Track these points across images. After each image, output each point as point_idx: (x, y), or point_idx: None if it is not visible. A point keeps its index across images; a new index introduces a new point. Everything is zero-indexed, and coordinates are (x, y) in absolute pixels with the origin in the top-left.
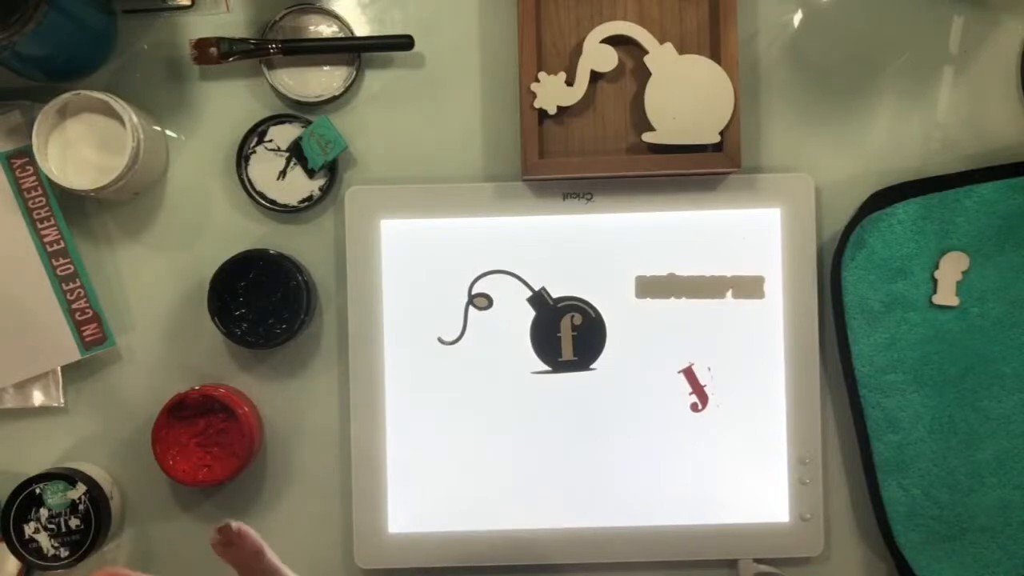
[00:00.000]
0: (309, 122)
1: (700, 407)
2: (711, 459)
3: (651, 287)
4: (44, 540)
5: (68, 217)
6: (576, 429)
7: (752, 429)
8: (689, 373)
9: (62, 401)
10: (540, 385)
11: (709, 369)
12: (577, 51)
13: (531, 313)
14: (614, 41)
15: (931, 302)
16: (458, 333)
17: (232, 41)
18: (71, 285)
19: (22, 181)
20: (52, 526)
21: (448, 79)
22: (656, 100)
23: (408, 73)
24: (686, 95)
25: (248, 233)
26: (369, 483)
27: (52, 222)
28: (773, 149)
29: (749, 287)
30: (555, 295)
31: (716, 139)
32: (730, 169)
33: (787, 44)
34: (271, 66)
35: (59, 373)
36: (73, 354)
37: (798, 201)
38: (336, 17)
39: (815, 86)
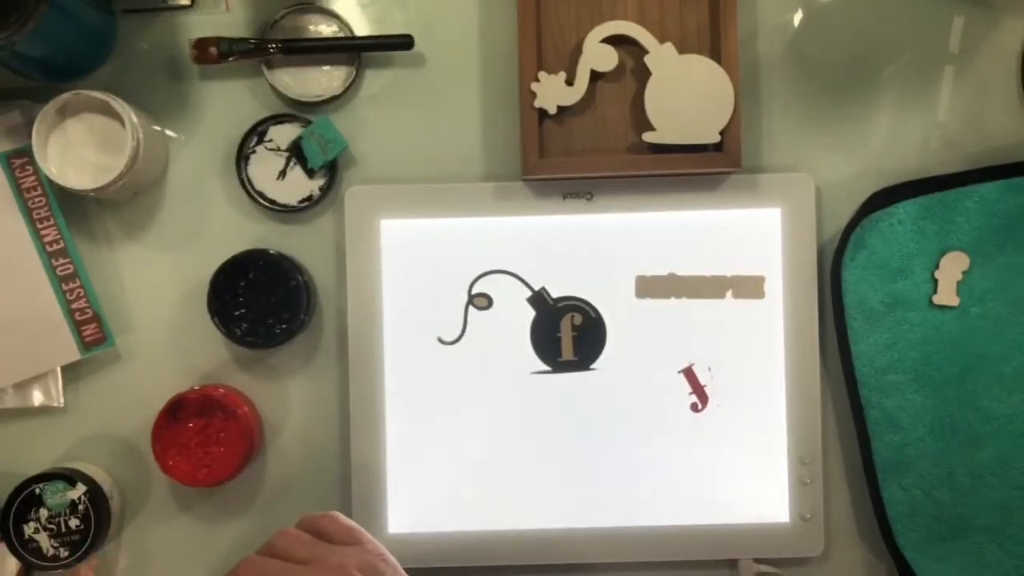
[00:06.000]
0: (309, 122)
1: (700, 407)
2: (711, 459)
3: (651, 287)
4: (44, 540)
5: (68, 217)
6: (576, 429)
7: (752, 429)
8: (689, 373)
9: (62, 401)
10: (540, 385)
11: (709, 369)
12: (577, 51)
13: (531, 313)
14: (614, 41)
15: (931, 302)
16: (458, 333)
17: (232, 41)
18: (71, 285)
19: (21, 181)
20: (52, 526)
21: (448, 79)
22: (656, 100)
23: (408, 73)
24: (686, 95)
25: (248, 233)
26: (369, 483)
27: (52, 222)
28: (773, 149)
29: (749, 287)
30: (555, 295)
31: (716, 139)
32: (730, 169)
33: (787, 44)
34: (271, 66)
35: (59, 373)
36: (73, 354)
37: (798, 201)
38: (336, 17)
39: (815, 86)
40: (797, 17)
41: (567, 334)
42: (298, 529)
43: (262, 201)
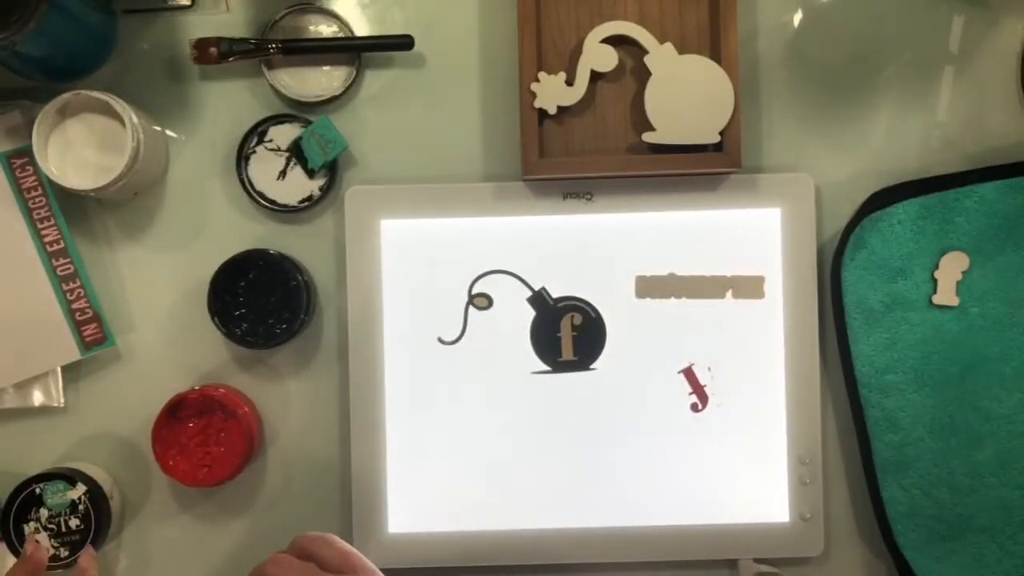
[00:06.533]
0: (309, 122)
1: (700, 407)
2: (711, 459)
3: (651, 287)
4: (44, 540)
5: (68, 217)
6: (576, 429)
7: (752, 429)
8: (689, 373)
9: (62, 401)
10: (540, 385)
11: (709, 369)
12: (577, 51)
13: (531, 313)
14: (614, 41)
15: (931, 302)
16: (458, 333)
17: (232, 41)
18: (71, 285)
19: (22, 181)
20: (52, 526)
21: (448, 79)
22: (656, 100)
23: (408, 73)
24: (686, 95)
25: (248, 233)
26: (369, 483)
27: (52, 222)
28: (773, 149)
29: (749, 287)
30: (555, 295)
31: (716, 139)
32: (730, 169)
33: (787, 44)
34: (271, 66)
35: (59, 373)
36: (73, 354)
37: (798, 201)
38: (336, 17)
39: (815, 86)
40: (797, 17)
41: (567, 334)
42: (291, 553)
43: (262, 201)
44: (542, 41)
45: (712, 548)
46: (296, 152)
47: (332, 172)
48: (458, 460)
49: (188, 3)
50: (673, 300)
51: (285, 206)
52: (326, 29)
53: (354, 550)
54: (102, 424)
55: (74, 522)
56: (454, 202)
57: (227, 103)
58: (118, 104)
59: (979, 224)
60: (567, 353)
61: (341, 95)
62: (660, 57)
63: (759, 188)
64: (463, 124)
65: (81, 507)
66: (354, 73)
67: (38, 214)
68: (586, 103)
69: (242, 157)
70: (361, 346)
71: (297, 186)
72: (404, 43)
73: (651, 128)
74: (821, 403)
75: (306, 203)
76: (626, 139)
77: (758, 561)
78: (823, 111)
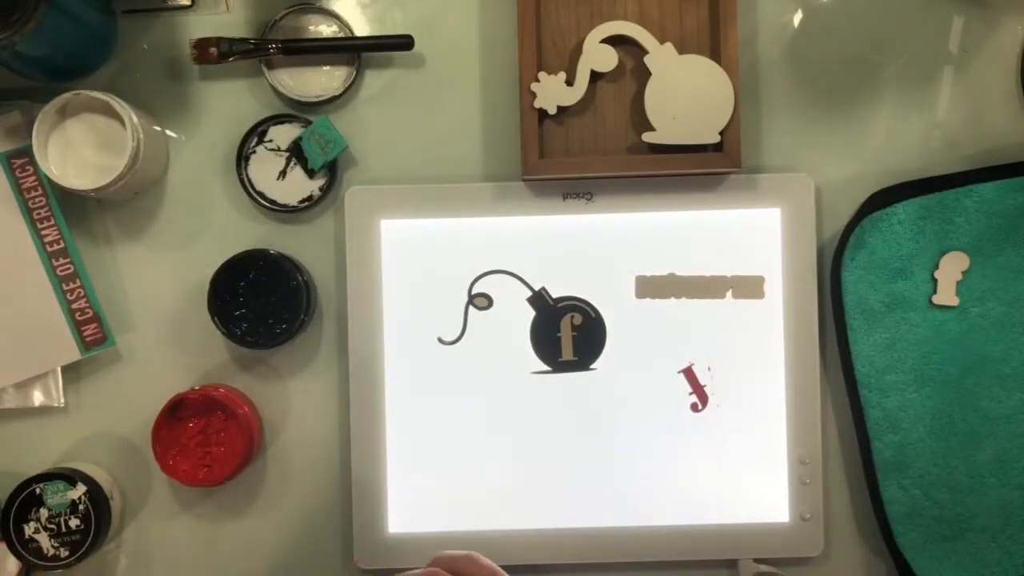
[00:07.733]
0: (309, 122)
1: (700, 407)
2: (711, 459)
3: (651, 287)
4: (44, 540)
5: (68, 217)
6: (576, 429)
7: (752, 429)
8: (689, 373)
9: (62, 401)
10: (540, 385)
11: (709, 369)
12: (577, 51)
13: (531, 313)
14: (614, 41)
15: (931, 302)
16: (458, 333)
17: (232, 41)
18: (71, 285)
19: (22, 181)
20: (52, 526)
21: (448, 79)
22: (656, 100)
23: (408, 73)
24: (686, 95)
25: (248, 233)
26: (369, 483)
27: (52, 222)
28: (773, 149)
29: (749, 287)
30: (555, 295)
31: (716, 139)
32: (730, 169)
33: (787, 44)
34: (271, 66)
35: (59, 373)
36: (73, 354)
37: (798, 201)
38: (336, 17)
39: (815, 86)
40: (797, 17)
41: (567, 334)
42: (436, 568)
43: (262, 201)
44: (542, 41)
45: (712, 548)
46: (296, 152)
47: (332, 172)
48: (458, 460)
49: (188, 3)
50: (673, 300)
51: (285, 206)
52: (326, 29)
53: (499, 568)
54: (102, 424)
55: (74, 522)
56: (454, 202)
57: (227, 103)
58: (118, 104)
59: (979, 224)
60: (567, 353)
61: (341, 95)
62: (660, 57)
63: (759, 188)
64: (463, 124)
65: (81, 507)
66: (354, 73)
67: (38, 214)
68: (586, 103)
69: (242, 157)
70: (361, 346)
71: (297, 186)
72: (404, 43)
73: (651, 128)
74: (821, 403)
75: (306, 203)
76: (626, 139)
77: (758, 561)
78: (823, 111)
